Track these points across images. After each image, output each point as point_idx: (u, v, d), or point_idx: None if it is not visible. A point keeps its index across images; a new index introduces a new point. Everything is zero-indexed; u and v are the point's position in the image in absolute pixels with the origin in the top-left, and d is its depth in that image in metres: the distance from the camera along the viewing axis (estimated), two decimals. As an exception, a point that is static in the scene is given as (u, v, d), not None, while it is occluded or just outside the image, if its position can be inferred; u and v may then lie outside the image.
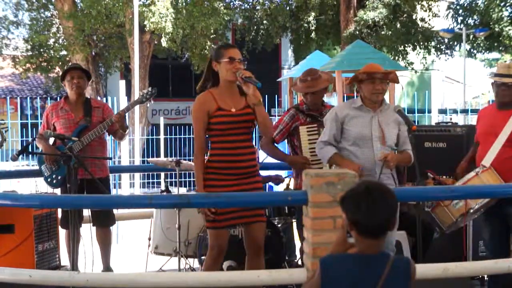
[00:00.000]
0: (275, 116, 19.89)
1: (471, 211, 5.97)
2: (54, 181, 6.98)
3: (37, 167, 7.20)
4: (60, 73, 23.96)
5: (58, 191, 7.05)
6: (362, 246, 3.14)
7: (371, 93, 5.83)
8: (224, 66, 5.47)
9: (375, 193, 3.13)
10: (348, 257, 3.18)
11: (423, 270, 4.72)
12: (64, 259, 6.96)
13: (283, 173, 8.89)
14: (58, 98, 17.39)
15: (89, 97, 7.47)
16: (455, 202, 5.90)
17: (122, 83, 13.28)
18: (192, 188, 15.69)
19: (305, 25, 24.46)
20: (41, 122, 7.36)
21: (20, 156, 6.63)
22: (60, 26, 22.89)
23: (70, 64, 21.67)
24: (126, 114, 7.18)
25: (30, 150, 6.79)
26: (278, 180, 7.86)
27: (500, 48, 24.87)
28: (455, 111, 19.02)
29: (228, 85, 5.53)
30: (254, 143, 5.92)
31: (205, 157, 5.61)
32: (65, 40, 22.36)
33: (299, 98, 15.70)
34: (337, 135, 5.94)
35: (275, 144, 6.70)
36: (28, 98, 18.60)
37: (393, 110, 5.92)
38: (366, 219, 3.08)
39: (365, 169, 5.57)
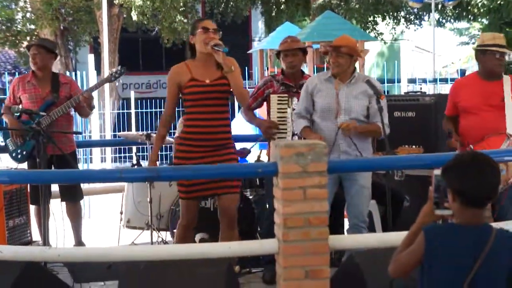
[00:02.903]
0: (245, 88, 19.85)
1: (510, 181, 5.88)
2: (19, 156, 6.89)
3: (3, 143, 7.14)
4: (26, 47, 23.76)
5: (24, 166, 6.99)
6: (465, 216, 3.10)
7: (330, 66, 5.96)
8: (199, 38, 5.52)
9: (482, 163, 3.10)
10: (452, 227, 3.14)
11: (395, 238, 4.75)
12: (36, 235, 6.94)
13: (250, 145, 8.89)
14: (27, 72, 17.16)
15: (58, 71, 7.38)
16: None
17: (91, 57, 13.20)
18: (163, 162, 15.66)
19: (275, -4, 24.37)
20: (10, 96, 7.27)
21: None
22: (27, 0, 22.59)
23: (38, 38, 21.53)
24: (96, 91, 7.13)
25: (-1, 125, 6.73)
26: (242, 154, 7.78)
27: (469, 17, 24.94)
28: (424, 81, 19.07)
29: (204, 57, 5.56)
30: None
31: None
32: (33, 14, 22.07)
33: (270, 70, 15.72)
34: (309, 107, 6.00)
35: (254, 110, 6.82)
36: (-4, 73, 18.39)
37: (363, 82, 5.95)
38: (474, 188, 3.05)
39: (327, 141, 5.46)
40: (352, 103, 5.88)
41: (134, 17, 19.82)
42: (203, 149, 5.52)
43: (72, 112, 7.37)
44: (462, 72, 17.57)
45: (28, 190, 6.90)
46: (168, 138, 7.72)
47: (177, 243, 5.75)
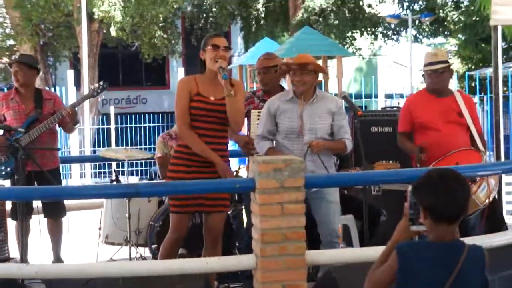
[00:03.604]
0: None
1: (494, 193, 6.04)
2: (3, 173, 6.86)
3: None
4: (8, 64, 23.72)
5: (7, 183, 6.96)
6: (437, 233, 3.13)
7: (293, 84, 5.89)
8: (208, 54, 5.50)
9: (449, 179, 3.14)
10: (425, 244, 3.17)
11: (372, 252, 4.80)
12: (14, 252, 6.91)
13: (234, 161, 8.92)
14: (5, 88, 17.14)
15: (40, 88, 7.37)
16: (481, 188, 5.89)
17: (71, 73, 13.20)
18: (143, 177, 15.64)
19: (254, 12, 24.47)
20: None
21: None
22: (7, 16, 22.54)
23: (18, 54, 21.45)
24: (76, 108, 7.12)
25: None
26: None
27: (445, 32, 25.21)
28: (401, 96, 19.24)
29: (212, 74, 5.52)
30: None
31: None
32: (12, 30, 22.02)
33: (249, 85, 15.77)
34: (272, 129, 5.96)
35: None
36: (-25, 89, 18.31)
37: (327, 101, 5.92)
38: (443, 205, 3.08)
39: None
40: (317, 123, 5.84)
41: (113, 33, 19.83)
42: (198, 164, 5.49)
43: (57, 128, 7.36)
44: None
45: (7, 206, 6.86)
46: (147, 153, 7.74)
47: (162, 258, 5.67)
